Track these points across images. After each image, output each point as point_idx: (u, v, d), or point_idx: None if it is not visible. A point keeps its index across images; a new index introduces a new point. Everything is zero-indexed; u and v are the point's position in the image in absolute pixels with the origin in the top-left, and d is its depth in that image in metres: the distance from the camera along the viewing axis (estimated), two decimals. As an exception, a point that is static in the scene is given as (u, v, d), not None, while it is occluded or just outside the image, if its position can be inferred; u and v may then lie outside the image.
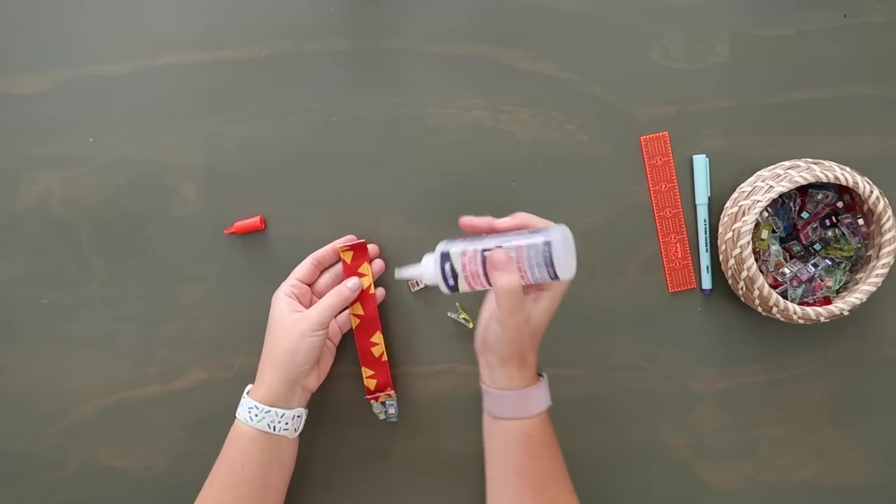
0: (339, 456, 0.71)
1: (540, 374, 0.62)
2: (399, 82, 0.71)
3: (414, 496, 0.71)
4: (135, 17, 0.71)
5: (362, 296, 0.67)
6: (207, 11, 0.71)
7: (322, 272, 0.69)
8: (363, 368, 0.68)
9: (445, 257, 0.57)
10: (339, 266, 0.69)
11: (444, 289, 0.57)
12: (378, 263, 0.69)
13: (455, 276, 0.57)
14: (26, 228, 0.72)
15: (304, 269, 0.67)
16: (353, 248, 0.67)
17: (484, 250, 0.56)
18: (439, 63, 0.70)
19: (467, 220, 0.58)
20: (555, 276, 0.55)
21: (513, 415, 0.60)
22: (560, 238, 0.55)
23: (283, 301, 0.65)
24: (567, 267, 0.55)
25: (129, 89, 0.71)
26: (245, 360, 0.71)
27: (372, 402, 0.69)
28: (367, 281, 0.67)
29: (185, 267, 0.71)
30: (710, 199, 0.69)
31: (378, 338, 0.68)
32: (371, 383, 0.68)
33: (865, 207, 0.65)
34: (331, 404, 0.69)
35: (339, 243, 0.68)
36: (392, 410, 0.69)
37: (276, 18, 0.71)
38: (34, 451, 0.72)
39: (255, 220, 0.70)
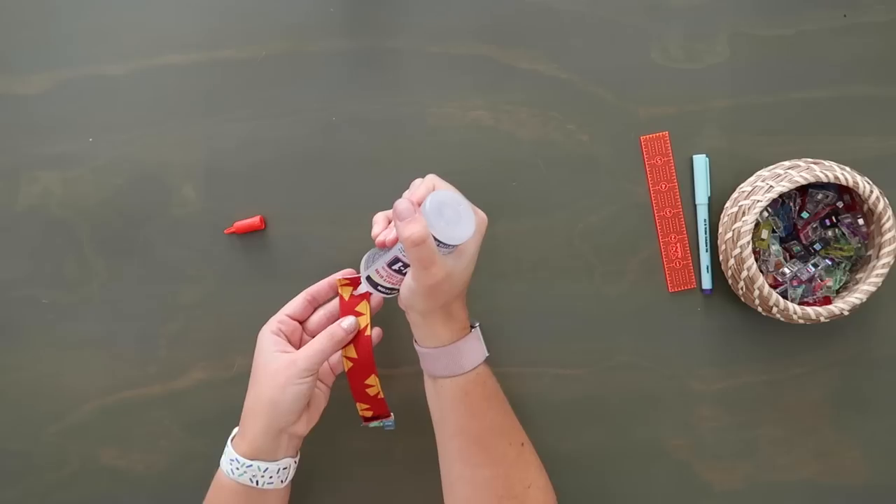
0: (339, 456, 0.71)
1: (472, 326, 0.59)
2: (399, 82, 0.71)
3: (414, 496, 0.71)
4: (135, 17, 0.71)
5: (357, 338, 0.61)
6: (207, 11, 0.71)
7: (315, 308, 0.65)
8: (358, 403, 0.63)
9: (371, 282, 0.59)
10: (335, 302, 0.63)
11: (392, 296, 0.60)
12: (377, 298, 0.63)
13: (388, 288, 0.59)
14: (26, 228, 0.72)
15: (295, 304, 0.63)
16: (352, 282, 0.62)
17: (388, 264, 0.57)
18: (439, 63, 0.70)
19: (376, 233, 0.58)
20: (452, 245, 0.54)
21: (446, 372, 0.58)
22: (430, 214, 0.52)
23: (269, 340, 0.60)
24: (456, 232, 0.53)
25: (129, 89, 0.71)
26: (245, 360, 0.70)
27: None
28: (364, 321, 0.61)
29: (185, 267, 0.71)
30: (710, 199, 0.69)
31: (373, 380, 0.62)
32: (367, 414, 0.64)
33: (865, 207, 0.65)
34: (330, 404, 0.69)
35: (336, 277, 0.64)
36: (389, 423, 0.66)
37: (276, 18, 0.71)
38: (34, 451, 0.72)
39: (255, 220, 0.70)
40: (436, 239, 0.53)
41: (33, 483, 0.72)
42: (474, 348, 0.59)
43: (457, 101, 0.70)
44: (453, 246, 0.54)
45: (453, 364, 0.58)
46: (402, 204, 0.52)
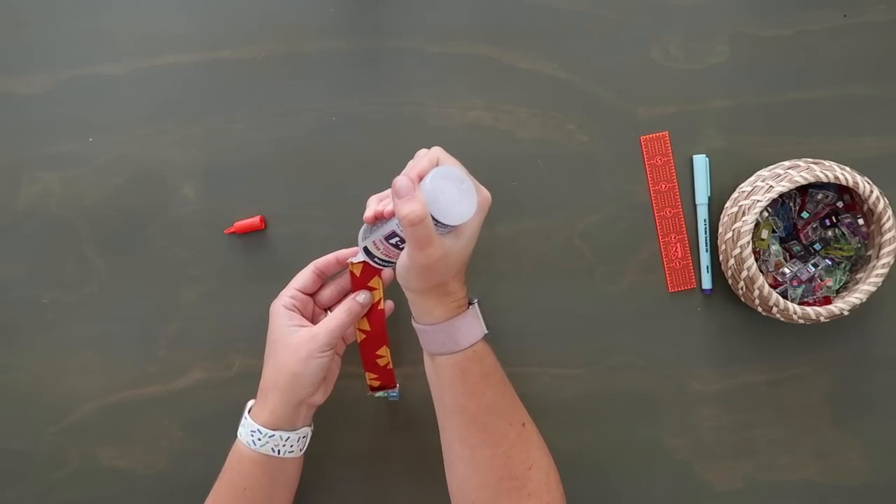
0: (339, 456, 0.71)
1: (470, 303, 0.59)
2: (399, 82, 0.71)
3: (414, 496, 0.71)
4: (135, 16, 0.71)
5: (370, 311, 0.63)
6: (207, 11, 0.71)
7: (324, 281, 0.65)
8: (367, 373, 0.67)
9: (369, 252, 0.59)
10: (345, 276, 0.65)
11: (389, 266, 0.60)
12: (388, 272, 0.64)
13: (384, 260, 0.59)
14: (26, 228, 0.72)
15: (305, 277, 0.64)
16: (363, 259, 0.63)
17: (384, 237, 0.56)
18: (439, 63, 0.70)
19: (369, 216, 0.57)
20: (451, 225, 0.52)
21: (443, 349, 0.57)
22: (431, 192, 0.50)
23: (284, 315, 0.61)
24: (456, 211, 0.52)
25: (129, 89, 0.71)
26: (245, 360, 0.71)
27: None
28: (377, 295, 0.63)
29: (185, 267, 0.71)
30: (710, 199, 0.69)
31: (384, 351, 0.65)
32: (374, 383, 0.67)
33: (865, 207, 0.65)
34: (330, 404, 0.69)
35: (343, 254, 0.65)
36: (394, 393, 0.68)
37: (275, 18, 0.71)
38: (34, 450, 0.72)
39: (255, 220, 0.70)
40: (434, 218, 0.51)
41: (33, 483, 0.72)
42: (471, 325, 0.58)
43: (457, 101, 0.70)
44: (453, 226, 0.53)
45: (450, 341, 0.57)
46: (401, 181, 0.51)
